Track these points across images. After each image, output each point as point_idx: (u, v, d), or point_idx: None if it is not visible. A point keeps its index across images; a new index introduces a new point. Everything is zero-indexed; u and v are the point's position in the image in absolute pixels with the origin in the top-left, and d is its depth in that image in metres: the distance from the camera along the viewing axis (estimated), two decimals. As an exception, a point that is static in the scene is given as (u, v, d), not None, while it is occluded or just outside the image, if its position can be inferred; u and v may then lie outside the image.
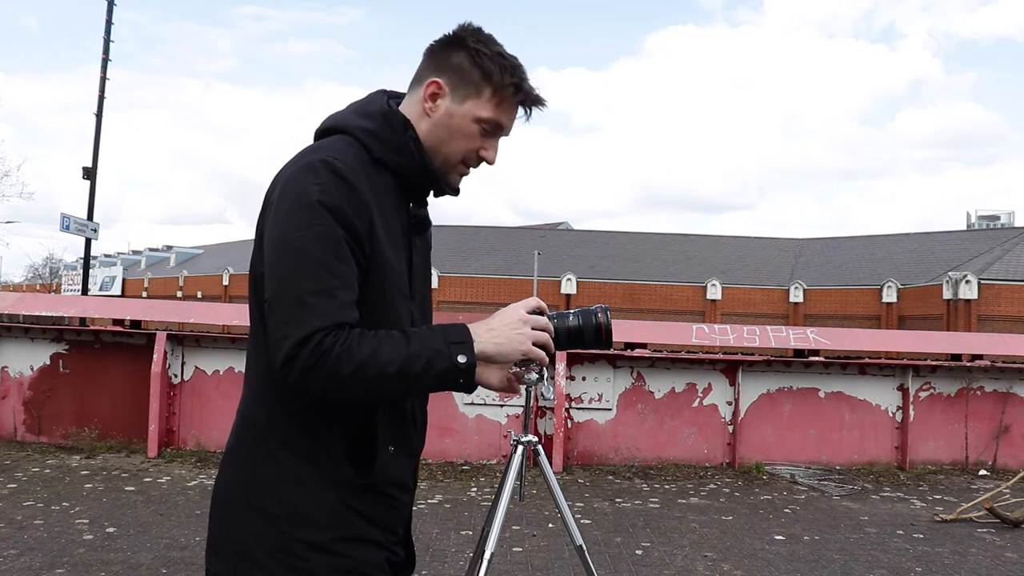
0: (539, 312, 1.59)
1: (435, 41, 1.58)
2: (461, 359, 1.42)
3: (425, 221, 1.63)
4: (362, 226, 1.43)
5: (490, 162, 1.59)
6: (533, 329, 1.54)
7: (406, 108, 1.58)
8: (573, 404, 7.71)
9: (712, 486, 7.04)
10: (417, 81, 1.58)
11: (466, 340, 1.45)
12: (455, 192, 1.63)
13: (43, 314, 10.03)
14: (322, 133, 1.58)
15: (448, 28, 1.57)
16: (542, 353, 1.55)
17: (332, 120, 1.58)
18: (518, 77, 1.53)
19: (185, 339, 7.71)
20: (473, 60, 1.52)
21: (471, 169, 1.61)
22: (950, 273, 30.24)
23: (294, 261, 1.38)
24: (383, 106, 1.57)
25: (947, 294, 29.67)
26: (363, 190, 1.44)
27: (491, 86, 1.52)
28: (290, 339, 1.35)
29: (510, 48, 1.56)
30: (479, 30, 1.55)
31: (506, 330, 1.51)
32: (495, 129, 1.56)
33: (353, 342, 1.37)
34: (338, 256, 1.39)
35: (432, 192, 1.62)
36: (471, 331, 1.47)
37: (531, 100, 1.56)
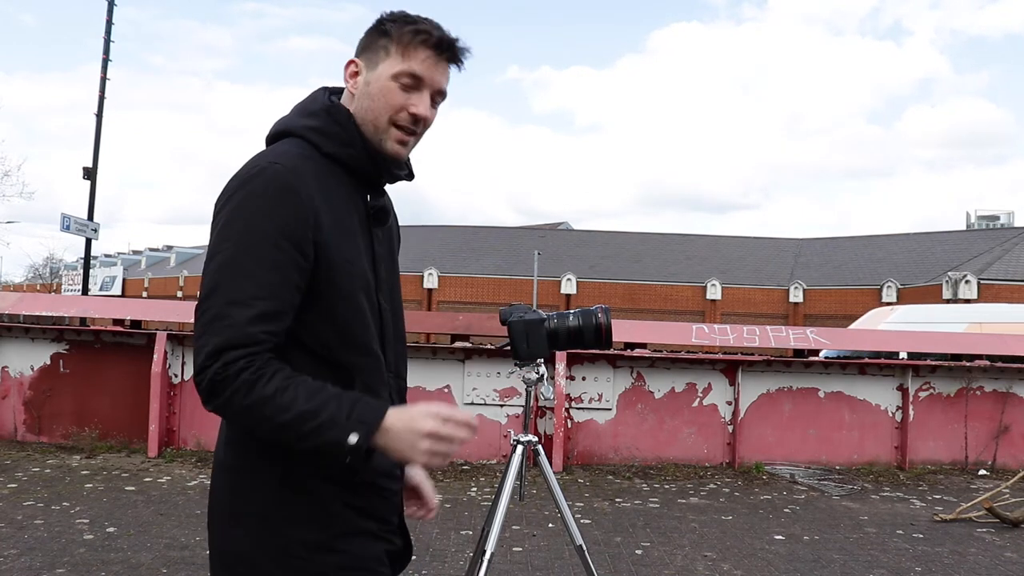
0: (463, 422, 1.43)
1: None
2: (352, 438, 1.33)
3: (384, 211, 1.61)
4: (302, 230, 1.42)
5: (420, 116, 1.52)
6: (439, 439, 1.39)
7: (343, 102, 1.58)
8: (573, 404, 7.72)
9: (712, 486, 7.05)
10: None
11: (372, 423, 1.36)
12: (405, 171, 1.61)
13: (43, 314, 10.05)
14: (272, 139, 1.58)
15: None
16: (436, 463, 1.41)
17: (279, 125, 1.58)
18: (414, 22, 1.52)
19: (185, 339, 7.71)
20: (377, 29, 1.54)
21: (409, 132, 1.54)
22: (949, 273, 30.25)
23: (219, 270, 1.39)
24: (325, 102, 1.57)
25: (947, 294, 29.68)
26: (304, 192, 1.43)
27: (393, 42, 1.52)
28: (205, 348, 1.36)
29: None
30: (393, 11, 1.57)
31: (407, 436, 1.38)
32: (415, 80, 1.51)
33: (264, 375, 1.35)
34: (264, 265, 1.38)
35: (385, 178, 1.60)
36: (387, 418, 1.37)
37: (433, 38, 1.51)
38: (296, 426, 1.34)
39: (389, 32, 1.52)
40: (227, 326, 1.35)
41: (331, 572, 1.46)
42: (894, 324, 12.43)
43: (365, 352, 1.52)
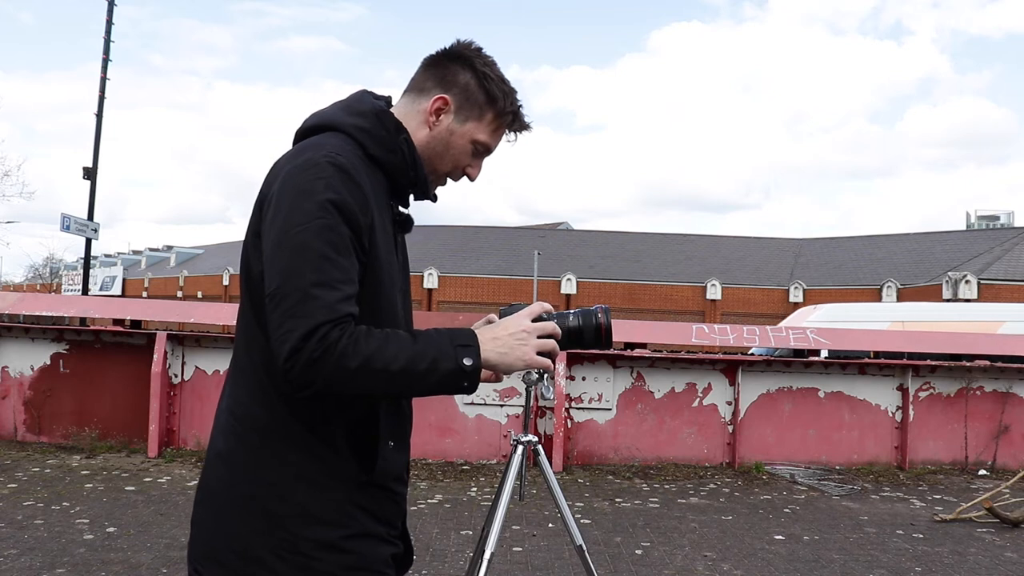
0: (545, 315, 1.60)
1: (436, 53, 1.61)
2: (467, 362, 1.42)
3: (411, 219, 1.66)
4: (364, 221, 1.44)
5: (471, 179, 1.67)
6: (539, 337, 1.54)
7: (400, 113, 1.60)
8: (573, 404, 7.72)
9: (712, 486, 7.05)
10: (418, 91, 1.61)
11: (472, 344, 1.45)
12: (434, 199, 1.69)
13: (43, 314, 10.05)
14: (308, 131, 1.57)
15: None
16: (547, 362, 1.56)
17: (319, 118, 1.58)
18: (517, 106, 1.61)
19: (185, 339, 7.72)
20: (480, 83, 1.58)
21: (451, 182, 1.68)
22: (950, 273, 30.25)
23: (297, 254, 1.38)
24: (374, 106, 1.58)
25: (947, 294, 29.68)
26: (365, 186, 1.46)
27: (493, 112, 1.59)
28: (296, 332, 1.34)
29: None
30: (481, 50, 1.60)
31: (510, 340, 1.51)
32: (485, 151, 1.63)
33: (360, 336, 1.36)
34: (340, 250, 1.40)
35: (414, 195, 1.65)
36: (480, 335, 1.48)
37: (523, 128, 1.65)
38: (411, 370, 1.39)
39: (496, 100, 1.59)
40: (319, 307, 1.35)
41: (339, 572, 1.45)
42: (816, 322, 12.51)
43: None
